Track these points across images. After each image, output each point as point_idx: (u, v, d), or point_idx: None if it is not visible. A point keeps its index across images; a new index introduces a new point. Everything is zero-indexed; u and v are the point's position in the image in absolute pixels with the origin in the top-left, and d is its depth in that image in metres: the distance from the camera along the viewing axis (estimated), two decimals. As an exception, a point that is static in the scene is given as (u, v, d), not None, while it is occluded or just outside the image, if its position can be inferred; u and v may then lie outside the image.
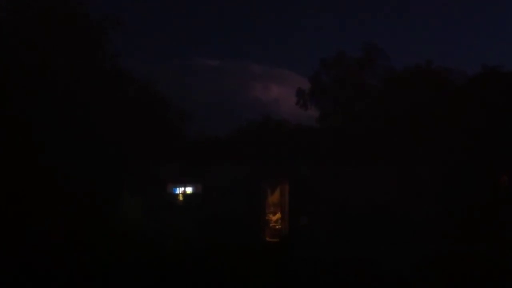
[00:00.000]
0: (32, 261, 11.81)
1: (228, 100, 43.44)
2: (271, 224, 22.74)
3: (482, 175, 19.23)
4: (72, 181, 14.49)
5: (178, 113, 19.03)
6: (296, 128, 25.09)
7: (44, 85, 14.65)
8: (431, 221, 18.12)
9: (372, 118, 21.81)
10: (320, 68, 24.09)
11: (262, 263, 14.24)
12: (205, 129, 23.03)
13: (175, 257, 14.08)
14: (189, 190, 22.51)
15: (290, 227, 21.24)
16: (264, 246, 19.05)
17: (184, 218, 19.42)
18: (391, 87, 22.69)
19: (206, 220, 18.86)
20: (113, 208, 16.45)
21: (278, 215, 22.82)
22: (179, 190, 22.49)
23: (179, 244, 15.75)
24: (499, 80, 21.16)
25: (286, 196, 21.89)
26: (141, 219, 17.02)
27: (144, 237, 15.98)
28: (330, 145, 21.84)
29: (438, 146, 19.84)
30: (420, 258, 13.55)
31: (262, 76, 57.65)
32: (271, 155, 21.23)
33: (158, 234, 16.48)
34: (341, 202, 19.77)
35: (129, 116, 16.09)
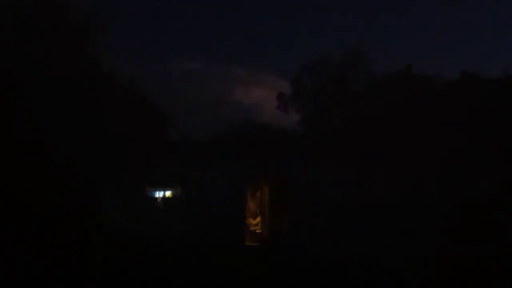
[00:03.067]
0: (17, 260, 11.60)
1: (210, 103, 43.29)
2: (251, 228, 22.59)
3: (474, 175, 19.50)
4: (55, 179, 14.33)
5: (161, 116, 18.92)
6: (277, 132, 25.06)
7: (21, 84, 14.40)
8: (427, 220, 18.00)
9: (353, 118, 22.00)
10: (301, 72, 24.09)
11: (243, 267, 14.14)
12: (187, 131, 22.95)
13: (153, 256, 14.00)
14: (169, 193, 22.23)
15: (270, 231, 21.08)
16: (244, 250, 18.93)
17: (164, 221, 19.19)
18: (374, 89, 22.89)
19: (186, 223, 18.67)
20: (94, 209, 16.23)
21: (258, 219, 22.66)
22: (160, 193, 22.20)
23: (157, 245, 15.61)
24: (479, 86, 21.55)
25: (266, 200, 21.75)
26: (121, 222, 16.82)
27: (124, 239, 15.74)
28: (311, 147, 21.85)
29: (429, 145, 20.01)
30: (419, 258, 13.51)
31: (245, 80, 57.62)
32: (252, 159, 21.11)
33: (139, 237, 16.28)
34: (324, 205, 19.68)
35: (112, 117, 15.91)
